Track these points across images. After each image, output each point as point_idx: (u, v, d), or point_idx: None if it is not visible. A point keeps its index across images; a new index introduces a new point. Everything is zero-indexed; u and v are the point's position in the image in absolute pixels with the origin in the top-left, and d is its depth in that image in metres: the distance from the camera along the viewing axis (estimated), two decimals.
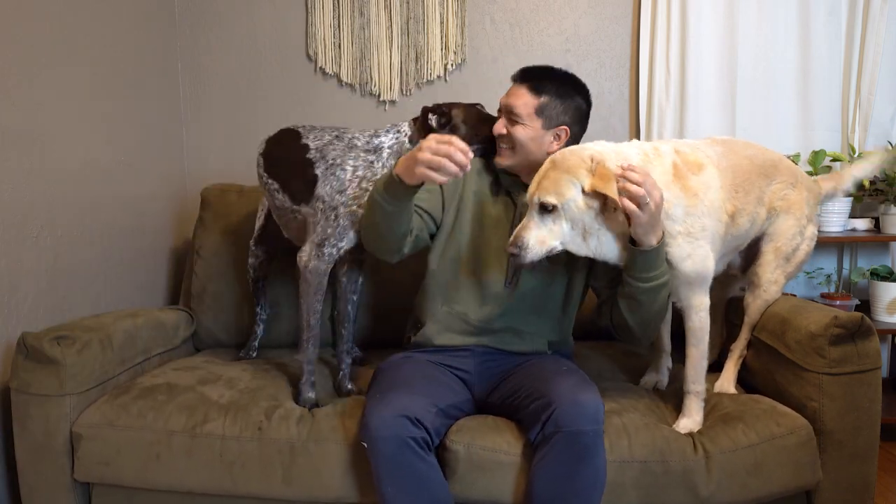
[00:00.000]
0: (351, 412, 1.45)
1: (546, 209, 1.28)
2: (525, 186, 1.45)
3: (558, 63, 2.38)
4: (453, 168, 1.22)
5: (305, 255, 1.53)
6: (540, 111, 1.50)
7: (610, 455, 1.31)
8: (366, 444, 1.27)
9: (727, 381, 1.60)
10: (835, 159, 2.27)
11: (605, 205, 1.29)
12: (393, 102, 2.41)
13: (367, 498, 1.38)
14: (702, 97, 2.30)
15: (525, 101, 1.50)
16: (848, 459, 1.41)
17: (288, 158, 1.56)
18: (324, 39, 2.38)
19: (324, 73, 2.41)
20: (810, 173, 2.23)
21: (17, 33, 1.59)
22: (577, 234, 1.31)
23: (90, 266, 1.86)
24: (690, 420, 1.43)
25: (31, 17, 1.64)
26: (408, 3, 2.35)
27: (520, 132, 1.49)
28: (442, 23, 2.36)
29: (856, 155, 2.25)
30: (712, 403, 1.51)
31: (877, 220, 2.27)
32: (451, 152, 1.21)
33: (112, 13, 1.98)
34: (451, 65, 2.38)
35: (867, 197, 2.27)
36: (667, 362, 1.67)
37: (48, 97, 1.70)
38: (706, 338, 1.45)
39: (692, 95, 2.29)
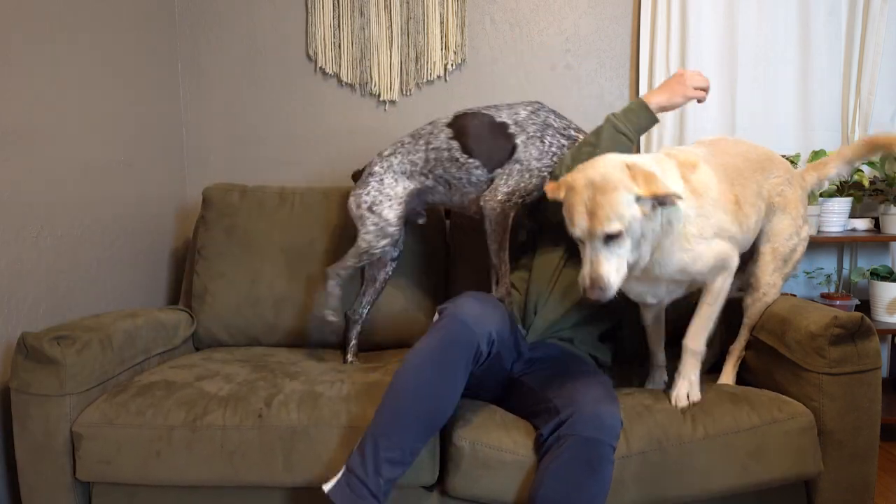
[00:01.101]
0: (354, 396, 1.46)
1: (611, 237, 1.23)
2: None
3: (558, 63, 2.40)
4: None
5: (495, 200, 1.68)
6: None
7: None
8: (436, 321, 1.32)
9: (726, 381, 1.60)
10: None
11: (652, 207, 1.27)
12: (393, 102, 2.41)
13: None
14: None
15: None
16: (848, 459, 1.41)
17: (486, 135, 1.71)
18: (324, 39, 2.38)
19: (324, 72, 2.41)
20: None
21: (17, 33, 1.59)
22: (637, 247, 1.28)
23: (90, 266, 1.86)
24: (685, 382, 1.42)
25: (30, 17, 1.64)
26: (408, 3, 2.35)
27: None
28: (442, 23, 2.36)
29: None
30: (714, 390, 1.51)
31: (877, 220, 2.27)
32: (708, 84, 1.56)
33: (112, 13, 1.98)
34: (451, 65, 2.38)
35: (867, 197, 2.27)
36: (662, 376, 1.67)
37: (48, 97, 1.70)
38: (721, 300, 1.45)
39: None
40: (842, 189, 2.24)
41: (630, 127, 1.53)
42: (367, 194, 1.75)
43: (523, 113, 1.73)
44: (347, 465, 1.28)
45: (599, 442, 1.25)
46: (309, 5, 2.37)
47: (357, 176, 1.89)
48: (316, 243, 2.00)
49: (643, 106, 1.53)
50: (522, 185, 1.68)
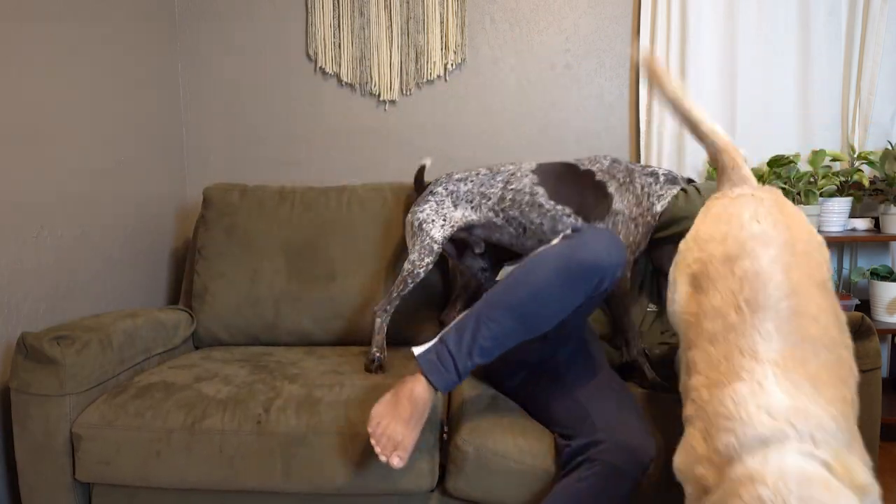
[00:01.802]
0: (353, 401, 1.46)
1: None
2: None
3: (557, 63, 2.40)
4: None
5: None
6: None
7: None
8: (571, 238, 1.28)
9: None
10: (835, 159, 2.27)
11: None
12: (393, 102, 2.41)
13: (369, 489, 1.39)
14: (702, 97, 2.30)
15: None
16: None
17: (574, 182, 1.68)
18: (324, 39, 2.38)
19: (324, 72, 2.41)
20: (810, 174, 2.23)
21: (17, 33, 1.59)
22: None
23: (90, 266, 1.86)
24: None
25: (30, 17, 1.64)
26: (408, 2, 2.35)
27: None
28: (442, 22, 2.36)
29: (855, 154, 2.26)
30: None
31: (877, 220, 2.27)
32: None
33: (112, 13, 1.98)
34: (451, 64, 2.38)
35: (867, 197, 2.27)
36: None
37: (48, 97, 1.70)
38: None
39: (692, 95, 2.29)
40: (842, 189, 2.24)
41: None
42: (423, 212, 1.74)
43: (605, 162, 1.70)
44: (442, 337, 1.28)
45: (629, 475, 1.23)
46: (309, 5, 2.37)
47: (419, 182, 1.89)
48: (316, 243, 2.00)
49: None
50: (631, 237, 1.63)
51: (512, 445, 1.36)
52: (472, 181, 1.75)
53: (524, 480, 1.33)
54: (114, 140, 1.98)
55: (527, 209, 1.69)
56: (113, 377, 1.56)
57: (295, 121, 2.44)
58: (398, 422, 1.25)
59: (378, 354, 1.67)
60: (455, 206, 1.73)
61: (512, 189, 1.70)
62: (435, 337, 1.32)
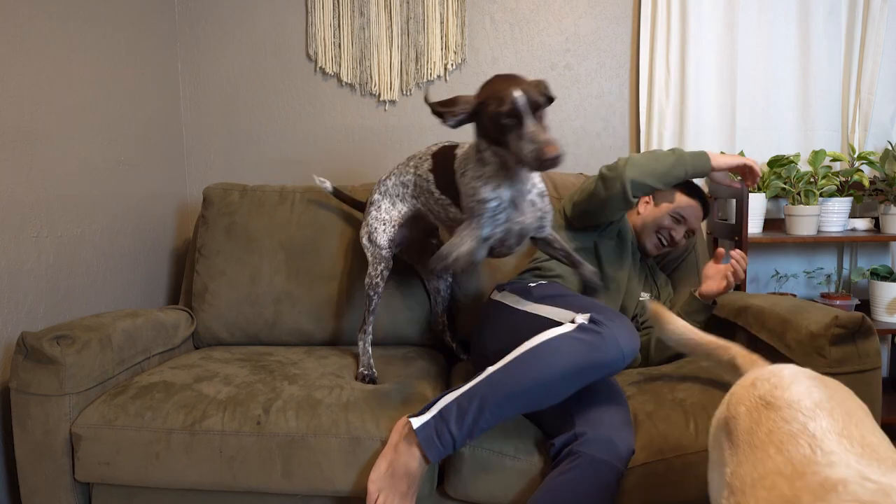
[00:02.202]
0: (353, 405, 1.46)
1: None
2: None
3: (557, 63, 2.40)
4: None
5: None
6: None
7: None
8: (594, 332, 1.27)
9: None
10: (835, 159, 2.27)
11: None
12: (393, 102, 2.41)
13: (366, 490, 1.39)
14: (702, 97, 2.30)
15: (699, 224, 1.88)
16: None
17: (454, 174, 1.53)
18: (324, 39, 2.38)
19: (324, 72, 2.41)
20: (810, 174, 2.23)
21: (17, 33, 1.59)
22: None
23: (90, 266, 1.86)
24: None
25: (30, 17, 1.64)
26: (408, 2, 2.35)
27: (683, 243, 1.86)
28: (442, 22, 2.36)
29: (855, 155, 2.26)
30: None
31: (877, 220, 2.27)
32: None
33: (112, 13, 1.98)
34: (451, 64, 2.38)
35: (867, 197, 2.27)
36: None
37: (48, 97, 1.70)
38: None
39: (692, 95, 2.29)
40: (842, 189, 2.24)
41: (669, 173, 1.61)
42: (368, 224, 1.71)
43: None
44: (442, 412, 1.28)
45: (610, 466, 1.24)
46: (309, 5, 2.37)
47: (352, 201, 1.90)
48: (316, 242, 2.00)
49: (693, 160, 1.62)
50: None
51: (507, 443, 1.36)
52: (393, 174, 1.70)
53: (523, 480, 1.33)
54: (114, 140, 1.98)
55: (427, 196, 1.60)
56: (113, 377, 1.56)
57: (295, 121, 2.44)
58: (396, 495, 1.29)
59: (367, 373, 1.64)
60: (392, 205, 1.69)
61: (418, 175, 1.62)
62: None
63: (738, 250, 1.70)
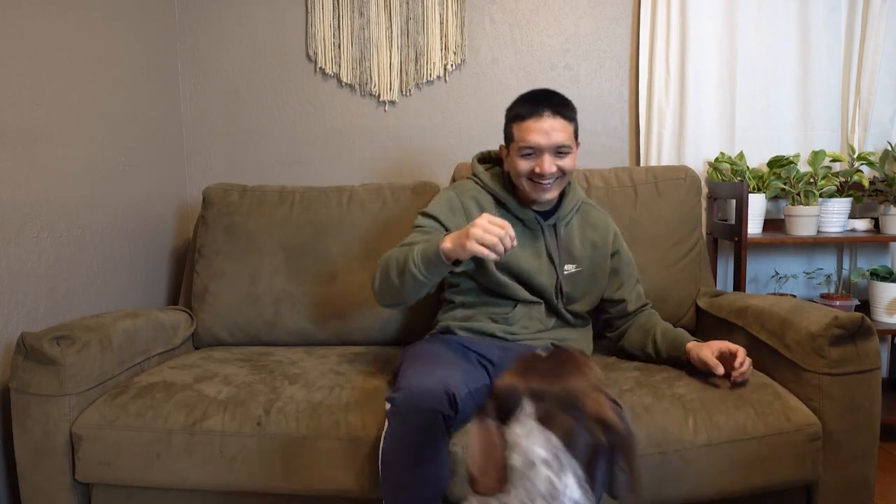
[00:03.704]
0: (354, 405, 1.46)
1: None
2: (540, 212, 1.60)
3: (557, 63, 2.40)
4: (501, 249, 1.26)
5: None
6: (574, 136, 1.58)
7: None
8: (394, 413, 1.27)
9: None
10: (834, 160, 2.27)
11: None
12: (393, 103, 2.41)
13: (368, 490, 1.39)
14: (702, 97, 2.30)
15: (567, 132, 1.54)
16: (848, 459, 1.41)
17: None
18: (324, 40, 2.38)
19: (324, 73, 2.41)
20: (810, 174, 2.23)
21: (18, 34, 1.59)
22: None
23: (90, 266, 1.86)
24: None
25: (31, 18, 1.64)
26: (407, 3, 2.35)
27: (569, 162, 1.55)
28: (441, 23, 2.36)
29: (855, 155, 2.26)
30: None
31: (876, 221, 2.27)
32: (503, 235, 1.26)
33: (112, 13, 1.98)
34: (451, 65, 2.38)
35: (867, 197, 2.27)
36: None
37: (48, 97, 1.70)
38: None
39: (692, 95, 2.29)
40: (842, 189, 2.24)
41: (423, 270, 1.37)
42: None
43: None
44: None
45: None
46: (309, 6, 2.37)
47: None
48: (316, 243, 2.00)
49: (437, 251, 1.34)
50: None
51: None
52: None
53: None
54: (114, 140, 1.98)
55: None
56: (113, 377, 1.56)
57: (295, 121, 2.44)
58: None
59: None
60: None
61: None
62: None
63: (744, 363, 1.46)
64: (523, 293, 1.61)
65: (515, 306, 1.62)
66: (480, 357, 1.53)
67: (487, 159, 1.78)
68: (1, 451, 1.53)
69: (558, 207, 1.64)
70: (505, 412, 0.90)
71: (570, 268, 1.63)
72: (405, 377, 1.33)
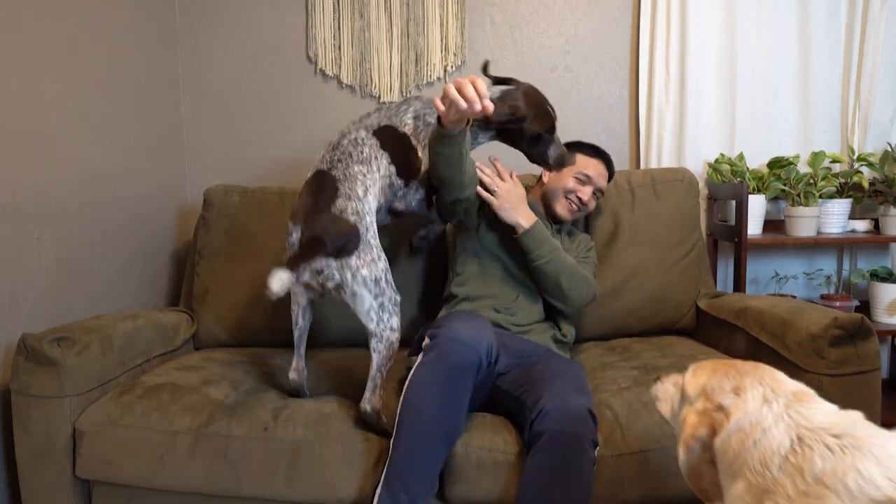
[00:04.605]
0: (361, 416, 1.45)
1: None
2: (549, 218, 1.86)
3: (557, 65, 2.40)
4: (463, 104, 1.27)
5: None
6: (602, 191, 1.90)
7: (605, 450, 1.32)
8: (434, 346, 1.31)
9: None
10: (834, 160, 2.27)
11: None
12: None
13: (370, 502, 1.38)
14: (701, 99, 2.30)
15: (605, 183, 1.90)
16: None
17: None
18: (324, 41, 2.39)
19: (324, 74, 2.41)
20: (809, 175, 2.23)
21: (18, 34, 1.60)
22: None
23: (91, 267, 1.86)
24: None
25: (31, 18, 1.64)
26: (408, 4, 2.35)
27: (593, 202, 1.89)
28: (442, 24, 2.36)
29: (855, 156, 2.26)
30: None
31: (876, 222, 2.27)
32: (466, 89, 1.27)
33: (112, 13, 1.98)
34: (451, 66, 2.38)
35: (867, 198, 2.27)
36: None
37: (49, 98, 1.70)
38: None
39: (692, 97, 2.29)
40: (842, 190, 2.24)
41: (436, 147, 1.47)
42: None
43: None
44: None
45: (570, 435, 1.25)
46: (309, 7, 2.37)
47: None
48: None
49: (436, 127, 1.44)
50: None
51: (497, 438, 1.37)
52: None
53: (515, 471, 1.33)
54: (114, 141, 1.98)
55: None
56: (113, 379, 1.56)
57: (295, 122, 2.45)
58: None
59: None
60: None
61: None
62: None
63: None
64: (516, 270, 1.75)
65: (517, 298, 1.72)
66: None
67: None
68: (1, 452, 1.53)
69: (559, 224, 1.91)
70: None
71: None
72: (448, 322, 1.37)
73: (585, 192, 1.83)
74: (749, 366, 0.97)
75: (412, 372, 1.33)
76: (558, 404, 1.29)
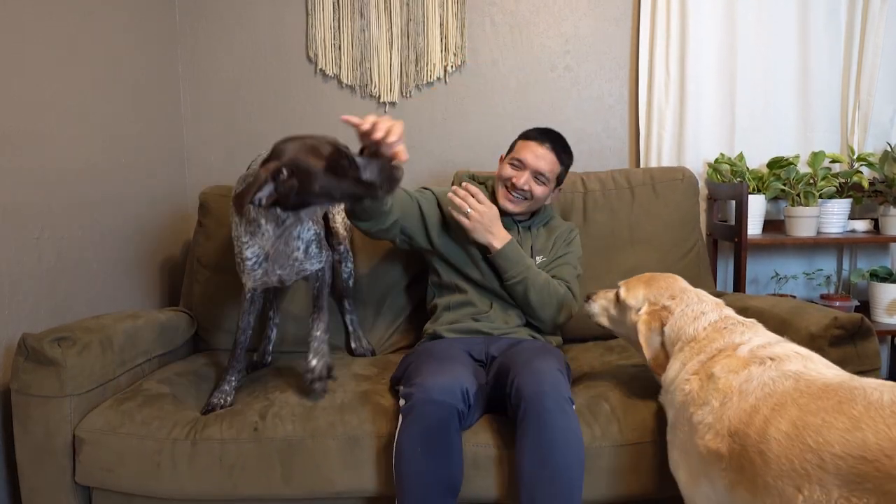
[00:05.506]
0: (349, 406, 1.47)
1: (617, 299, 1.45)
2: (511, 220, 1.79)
3: (557, 65, 2.40)
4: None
5: None
6: (558, 177, 1.79)
7: (603, 441, 1.35)
8: (409, 408, 1.32)
9: None
10: (834, 160, 2.27)
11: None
12: (393, 104, 2.41)
13: (368, 491, 1.40)
14: (701, 98, 2.30)
15: (553, 167, 1.75)
16: None
17: None
18: (324, 41, 2.39)
19: (324, 74, 2.41)
20: (809, 175, 2.23)
21: (18, 34, 1.60)
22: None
23: (91, 267, 1.86)
24: None
25: (31, 18, 1.64)
26: (408, 4, 2.35)
27: (540, 191, 1.75)
28: (442, 25, 2.36)
29: (854, 156, 2.26)
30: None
31: (876, 222, 2.27)
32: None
33: (112, 13, 1.98)
34: (451, 66, 2.38)
35: (867, 198, 2.27)
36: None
37: (48, 98, 1.70)
38: None
39: (692, 96, 2.29)
40: (841, 190, 2.24)
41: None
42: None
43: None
44: None
45: (544, 394, 1.30)
46: (309, 7, 2.37)
47: None
48: None
49: None
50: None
51: (491, 432, 1.39)
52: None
53: (510, 464, 1.35)
54: (114, 141, 1.98)
55: None
56: (113, 379, 1.56)
57: (295, 122, 2.44)
58: None
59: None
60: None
61: None
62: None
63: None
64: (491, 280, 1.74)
65: (492, 306, 1.73)
66: (471, 355, 1.61)
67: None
68: (2, 452, 1.53)
69: (531, 217, 1.85)
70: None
71: (538, 258, 1.79)
72: (419, 374, 1.37)
73: (520, 178, 1.71)
74: (670, 277, 1.41)
75: (396, 437, 1.33)
76: (527, 368, 1.35)
